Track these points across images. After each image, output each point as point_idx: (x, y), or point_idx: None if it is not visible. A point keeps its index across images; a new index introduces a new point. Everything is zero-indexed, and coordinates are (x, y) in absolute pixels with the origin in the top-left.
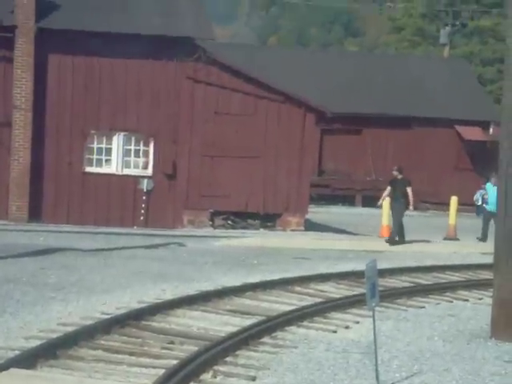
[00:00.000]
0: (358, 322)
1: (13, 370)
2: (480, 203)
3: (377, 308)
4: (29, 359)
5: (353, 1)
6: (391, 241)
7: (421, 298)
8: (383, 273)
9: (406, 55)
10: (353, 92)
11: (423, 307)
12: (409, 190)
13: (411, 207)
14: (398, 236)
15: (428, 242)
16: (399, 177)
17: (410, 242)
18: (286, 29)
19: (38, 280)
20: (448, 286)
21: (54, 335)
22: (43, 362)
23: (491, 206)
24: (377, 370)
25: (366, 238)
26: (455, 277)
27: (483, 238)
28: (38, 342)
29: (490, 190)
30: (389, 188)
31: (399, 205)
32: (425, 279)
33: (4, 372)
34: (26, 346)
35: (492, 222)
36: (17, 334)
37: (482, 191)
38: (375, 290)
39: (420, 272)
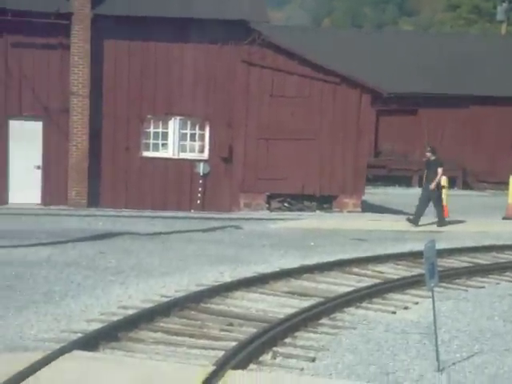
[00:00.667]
0: (417, 303)
1: (76, 353)
2: None
3: (436, 288)
4: (91, 342)
5: None
6: (440, 222)
7: (480, 278)
8: (442, 253)
9: (462, 33)
10: (408, 72)
11: (483, 287)
12: (439, 170)
13: (432, 185)
14: (416, 216)
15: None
16: (432, 158)
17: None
18: (339, 10)
19: (97, 264)
20: (508, 265)
21: (115, 318)
22: (105, 345)
23: None
24: (437, 351)
25: (424, 218)
26: None
27: None
28: (99, 325)
29: None
30: (426, 171)
31: (430, 185)
32: (484, 259)
33: (67, 354)
34: (87, 329)
35: None
36: (79, 317)
37: None
38: (434, 270)
39: (479, 252)
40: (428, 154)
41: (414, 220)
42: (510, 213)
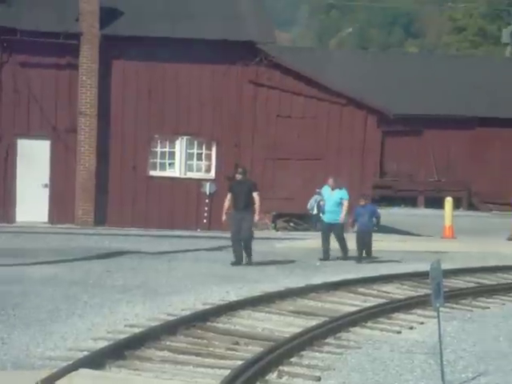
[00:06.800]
0: (422, 323)
1: (82, 371)
2: (316, 212)
3: (441, 309)
4: (98, 360)
5: (413, 2)
6: (237, 262)
7: (486, 299)
8: (447, 273)
9: (468, 55)
10: (414, 93)
11: (488, 308)
12: (255, 194)
13: (257, 217)
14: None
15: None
16: (243, 180)
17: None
18: (346, 31)
19: (104, 282)
20: None
21: (122, 336)
22: (112, 363)
23: (328, 216)
24: (442, 371)
25: (429, 238)
26: None
27: (325, 257)
28: (106, 343)
29: (327, 196)
30: (229, 195)
31: (245, 215)
32: (489, 279)
33: (74, 372)
34: (94, 347)
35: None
36: (85, 335)
37: (317, 197)
38: (440, 290)
39: (484, 272)
40: (238, 176)
41: (237, 258)
42: None
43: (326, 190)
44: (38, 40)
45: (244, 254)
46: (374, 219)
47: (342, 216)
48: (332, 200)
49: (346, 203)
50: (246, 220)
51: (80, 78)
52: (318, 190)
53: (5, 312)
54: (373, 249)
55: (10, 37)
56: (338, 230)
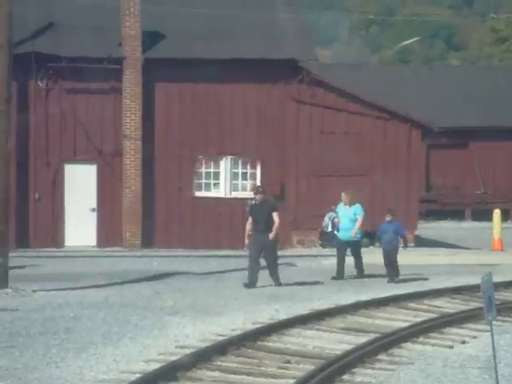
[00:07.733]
0: (474, 337)
1: None
2: (330, 229)
3: (494, 322)
4: (150, 382)
5: (454, 14)
6: (250, 284)
7: None
8: (498, 286)
9: (511, 66)
10: (458, 106)
11: None
12: (275, 215)
13: (271, 235)
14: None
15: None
16: (263, 200)
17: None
18: (387, 46)
19: (154, 304)
20: None
21: (173, 358)
22: None
23: (343, 233)
24: None
25: (478, 251)
26: None
27: (339, 276)
28: (157, 365)
29: (342, 212)
30: (250, 218)
31: (267, 237)
32: None
33: None
34: (146, 369)
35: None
36: (137, 357)
37: (331, 214)
38: (492, 303)
39: None
40: (258, 197)
41: (251, 280)
42: None
43: (340, 207)
44: (82, 66)
45: (270, 278)
46: (399, 237)
47: (353, 232)
48: (347, 217)
49: (360, 218)
50: (268, 246)
51: (124, 102)
52: (333, 207)
53: (57, 336)
54: (421, 263)
55: (55, 64)
56: (354, 247)
